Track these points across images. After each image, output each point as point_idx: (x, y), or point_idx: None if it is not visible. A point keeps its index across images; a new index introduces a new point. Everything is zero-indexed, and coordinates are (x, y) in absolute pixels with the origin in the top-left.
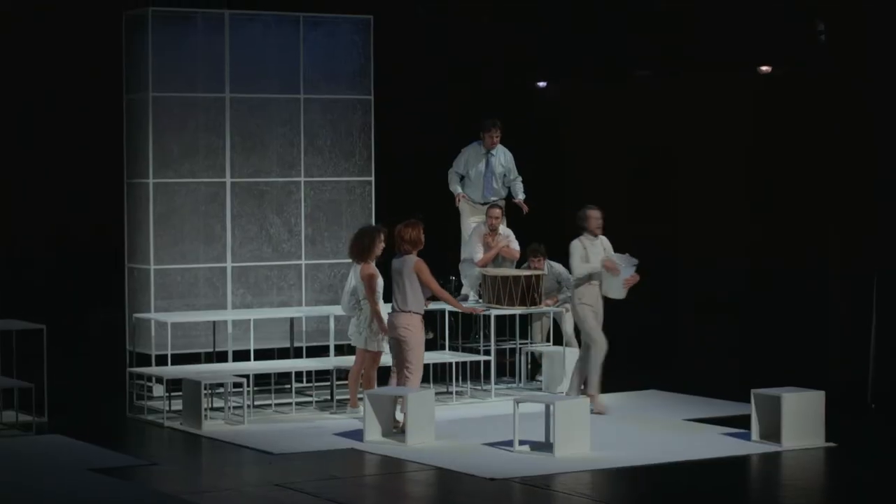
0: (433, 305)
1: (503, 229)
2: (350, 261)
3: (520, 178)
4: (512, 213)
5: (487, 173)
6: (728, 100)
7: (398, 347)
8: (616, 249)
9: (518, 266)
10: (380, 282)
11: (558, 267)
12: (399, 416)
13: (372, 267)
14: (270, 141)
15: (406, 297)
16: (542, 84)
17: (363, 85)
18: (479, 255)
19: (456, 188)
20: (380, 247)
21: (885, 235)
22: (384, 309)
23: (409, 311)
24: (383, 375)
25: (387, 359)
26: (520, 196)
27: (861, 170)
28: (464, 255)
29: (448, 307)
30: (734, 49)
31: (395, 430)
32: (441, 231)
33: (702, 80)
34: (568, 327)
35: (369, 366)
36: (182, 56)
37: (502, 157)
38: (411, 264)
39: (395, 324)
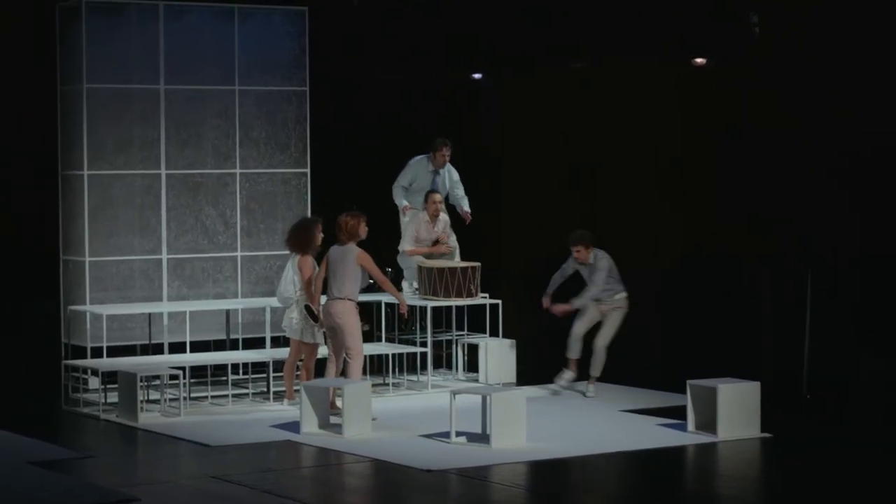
0: (369, 297)
1: (443, 217)
2: (287, 252)
3: (466, 198)
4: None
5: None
6: (661, 91)
7: (335, 334)
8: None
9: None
10: (315, 273)
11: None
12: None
13: (309, 258)
14: (205, 132)
15: (343, 285)
16: (477, 76)
17: (298, 76)
18: (409, 245)
19: (401, 201)
20: (318, 238)
21: (819, 226)
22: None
23: (344, 298)
24: (320, 367)
25: (324, 350)
26: (465, 208)
27: (794, 162)
28: (401, 247)
29: (386, 298)
30: (668, 41)
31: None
32: (376, 223)
33: (635, 71)
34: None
35: (307, 358)
36: (116, 47)
37: (448, 177)
38: (353, 254)
39: (330, 311)
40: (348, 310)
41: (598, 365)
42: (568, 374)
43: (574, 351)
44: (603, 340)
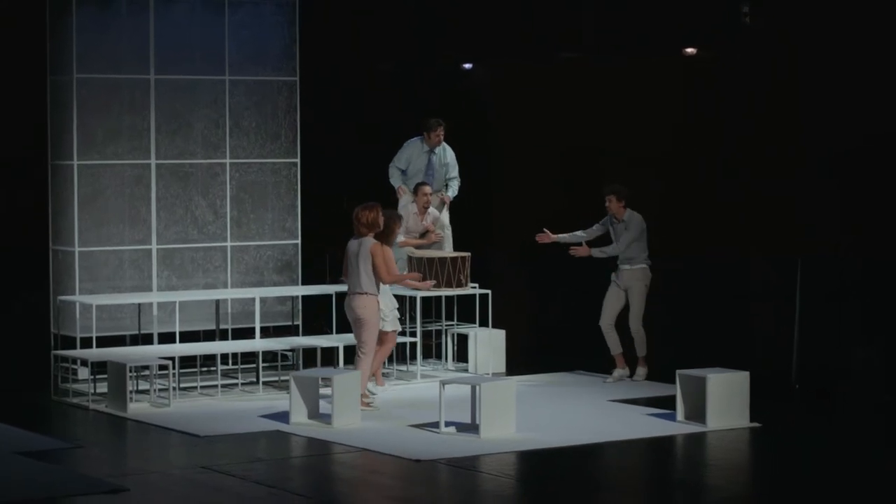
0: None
1: (432, 211)
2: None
3: (458, 180)
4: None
5: (429, 171)
6: (655, 81)
7: (355, 327)
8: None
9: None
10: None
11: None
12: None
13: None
14: (195, 122)
15: (361, 279)
16: (467, 66)
17: (288, 66)
18: (400, 236)
19: (397, 182)
20: (395, 234)
21: (809, 217)
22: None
23: (366, 293)
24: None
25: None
26: (448, 193)
27: (787, 153)
28: None
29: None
30: (661, 30)
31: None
32: None
33: (628, 62)
34: None
35: (383, 345)
36: (107, 37)
37: (443, 155)
38: (368, 247)
39: (352, 305)
40: (369, 304)
41: (641, 345)
42: (617, 373)
43: (614, 345)
44: (636, 322)
